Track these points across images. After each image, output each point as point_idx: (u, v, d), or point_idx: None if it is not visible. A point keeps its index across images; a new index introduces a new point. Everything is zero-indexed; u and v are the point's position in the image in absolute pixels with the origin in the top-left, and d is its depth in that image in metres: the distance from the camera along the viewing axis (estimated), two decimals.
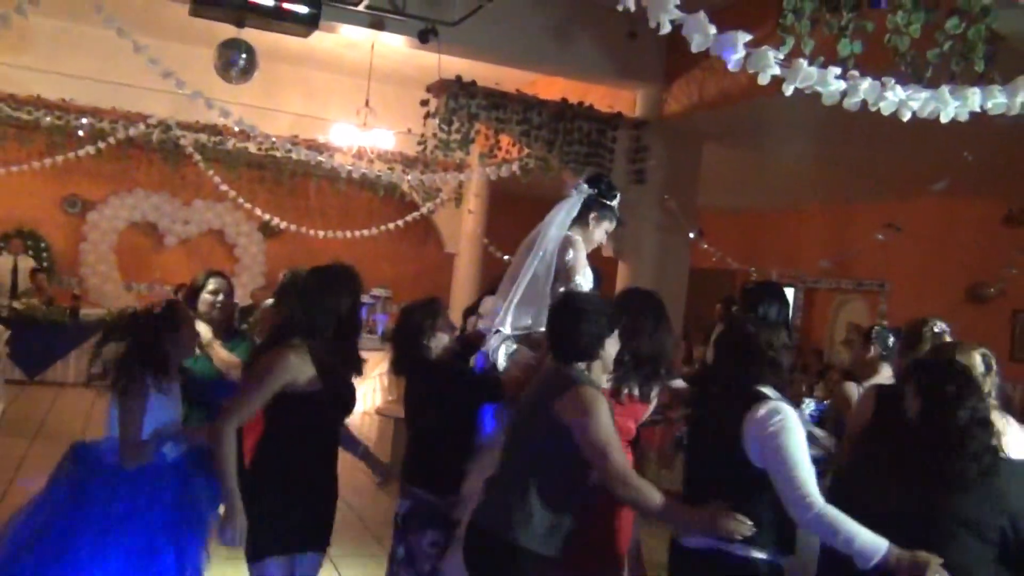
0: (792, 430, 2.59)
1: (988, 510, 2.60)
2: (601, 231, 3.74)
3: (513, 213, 13.70)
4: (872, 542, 2.46)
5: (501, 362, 3.37)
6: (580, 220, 3.64)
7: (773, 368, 2.76)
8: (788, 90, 3.08)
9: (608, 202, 3.72)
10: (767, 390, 2.72)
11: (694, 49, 2.99)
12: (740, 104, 7.41)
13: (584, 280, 3.52)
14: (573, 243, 3.55)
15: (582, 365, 2.88)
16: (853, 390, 4.23)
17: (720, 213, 13.41)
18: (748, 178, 11.03)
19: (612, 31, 7.96)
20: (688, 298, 8.98)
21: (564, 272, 3.48)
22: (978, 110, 3.38)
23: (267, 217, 11.22)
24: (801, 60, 3.06)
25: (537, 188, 11.13)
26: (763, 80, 3.05)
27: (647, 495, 2.71)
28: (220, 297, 4.38)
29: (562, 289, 3.49)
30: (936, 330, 3.90)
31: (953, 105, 3.30)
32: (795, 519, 2.58)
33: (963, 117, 3.37)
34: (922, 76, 3.71)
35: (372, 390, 10.24)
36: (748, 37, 2.94)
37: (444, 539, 3.37)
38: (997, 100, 3.38)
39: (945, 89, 3.29)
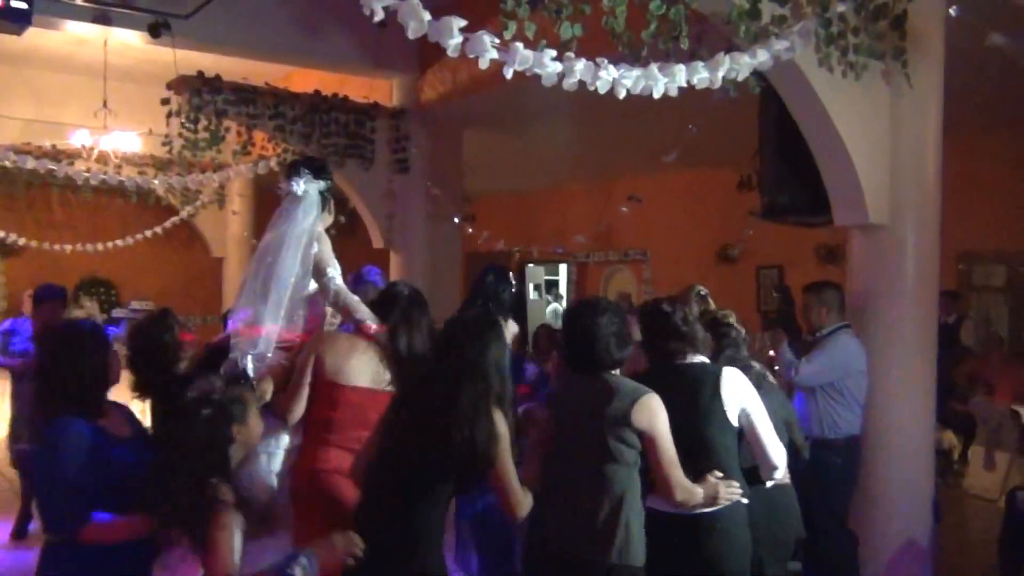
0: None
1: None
2: (330, 216, 3.67)
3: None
4: None
5: (250, 368, 3.23)
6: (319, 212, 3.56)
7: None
8: (508, 73, 3.15)
9: (330, 185, 3.64)
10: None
11: (410, 35, 2.98)
12: (492, 89, 7.56)
13: (335, 271, 3.44)
14: (318, 236, 3.47)
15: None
16: None
17: (490, 196, 13.70)
18: (513, 161, 11.32)
19: (362, 20, 7.80)
20: (464, 282, 9.10)
21: (315, 266, 3.39)
22: (685, 85, 3.62)
23: (1, 234, 10.16)
24: (518, 44, 3.14)
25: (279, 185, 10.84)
26: (483, 64, 3.10)
27: (695, 493, 2.85)
28: None
29: (313, 284, 3.41)
30: (702, 292, 4.85)
31: (662, 81, 3.51)
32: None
33: (673, 92, 3.60)
34: (638, 56, 3.94)
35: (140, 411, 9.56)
36: (463, 22, 2.97)
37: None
38: (701, 75, 3.64)
39: (654, 67, 3.49)
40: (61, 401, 2.62)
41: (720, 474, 2.95)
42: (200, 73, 7.28)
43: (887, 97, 4.63)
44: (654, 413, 2.78)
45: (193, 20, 6.76)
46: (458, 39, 2.95)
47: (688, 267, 11.28)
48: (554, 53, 3.22)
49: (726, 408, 3.02)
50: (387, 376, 3.24)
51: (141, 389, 3.38)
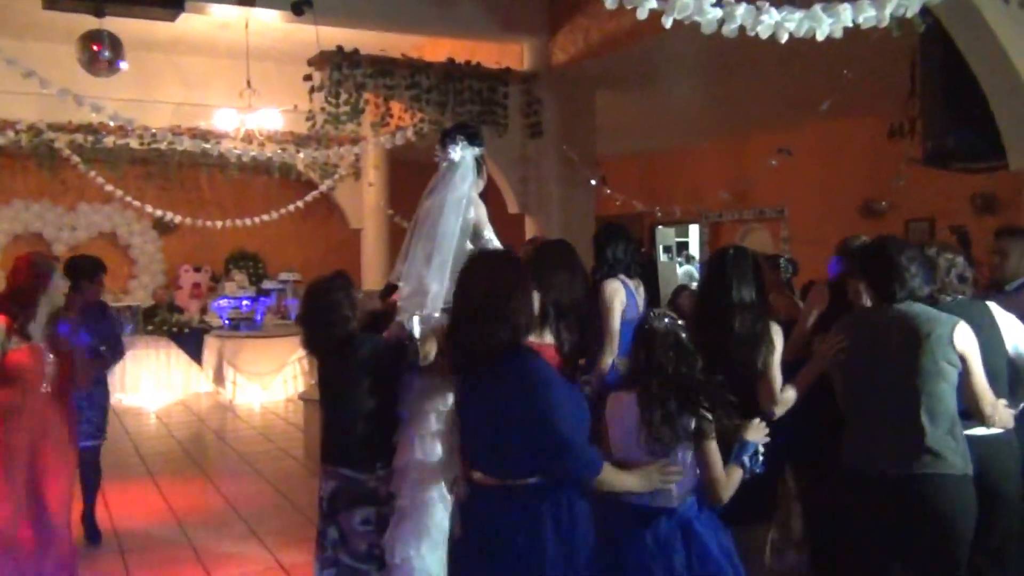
0: None
1: None
2: (483, 181, 3.69)
3: (416, 181, 13.48)
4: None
5: (416, 329, 3.30)
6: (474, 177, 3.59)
7: None
8: (667, 22, 3.06)
9: (484, 151, 3.66)
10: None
11: None
12: (626, 47, 7.44)
13: (491, 233, 3.48)
14: (472, 200, 3.50)
15: None
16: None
17: (620, 158, 13.51)
18: (643, 121, 11.10)
19: None
20: None
21: (472, 231, 3.43)
22: (851, 25, 3.44)
23: (159, 213, 10.77)
24: None
25: (431, 153, 11.01)
26: (642, 14, 3.03)
27: (1002, 412, 3.18)
28: None
29: (469, 245, 3.45)
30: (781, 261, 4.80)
31: (827, 22, 3.34)
32: None
33: (838, 34, 3.42)
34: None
35: (292, 376, 10.05)
36: None
37: (375, 516, 3.32)
38: (867, 14, 3.44)
39: (818, 7, 3.33)
40: None
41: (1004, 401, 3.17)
42: (339, 48, 7.45)
43: None
44: (971, 337, 3.02)
45: None
46: None
47: (829, 224, 10.80)
48: None
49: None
50: (546, 335, 3.25)
51: (311, 347, 3.51)
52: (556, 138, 8.31)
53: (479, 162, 3.59)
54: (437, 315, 3.31)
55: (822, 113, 5.52)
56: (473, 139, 3.57)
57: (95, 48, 6.60)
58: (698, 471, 2.74)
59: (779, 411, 3.22)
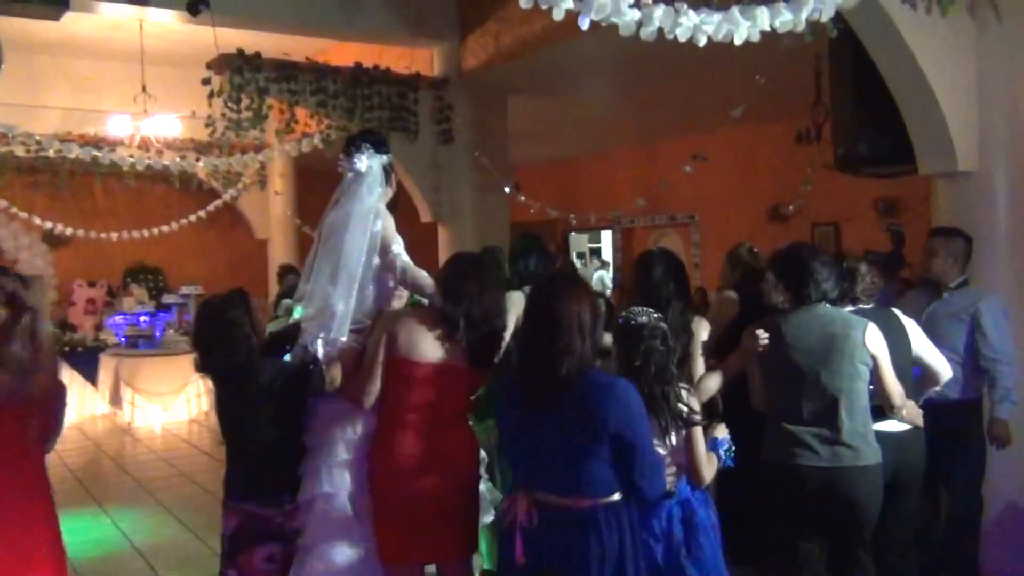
0: None
1: None
2: (392, 190, 3.49)
3: (325, 190, 13.11)
4: None
5: (321, 353, 3.07)
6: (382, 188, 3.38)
7: None
8: (584, 23, 2.92)
9: (392, 159, 3.46)
10: None
11: None
12: (538, 52, 7.32)
13: (400, 247, 3.28)
14: (379, 212, 3.30)
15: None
16: None
17: (533, 164, 13.45)
18: (556, 127, 11.05)
19: None
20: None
21: (380, 244, 3.23)
22: (768, 28, 3.37)
23: (49, 225, 10.14)
24: None
25: (339, 162, 10.69)
26: (557, 15, 2.88)
27: (909, 405, 3.53)
28: None
29: (377, 260, 3.24)
30: (754, 249, 4.90)
31: (745, 25, 3.27)
32: None
33: (755, 37, 3.35)
34: (710, 3, 3.68)
35: (196, 395, 9.58)
36: None
37: (281, 553, 3.08)
38: (784, 17, 3.38)
39: (735, 10, 3.25)
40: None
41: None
42: (240, 51, 7.10)
43: (973, 34, 4.32)
44: (880, 337, 3.29)
45: None
46: None
47: (739, 228, 10.96)
48: (631, 0, 2.99)
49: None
50: (457, 350, 3.05)
51: (207, 370, 3.23)
52: (468, 144, 8.13)
53: (387, 171, 3.39)
54: (344, 338, 3.09)
55: (733, 119, 5.49)
56: (380, 147, 3.36)
57: None
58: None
59: (701, 397, 3.36)
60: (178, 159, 9.39)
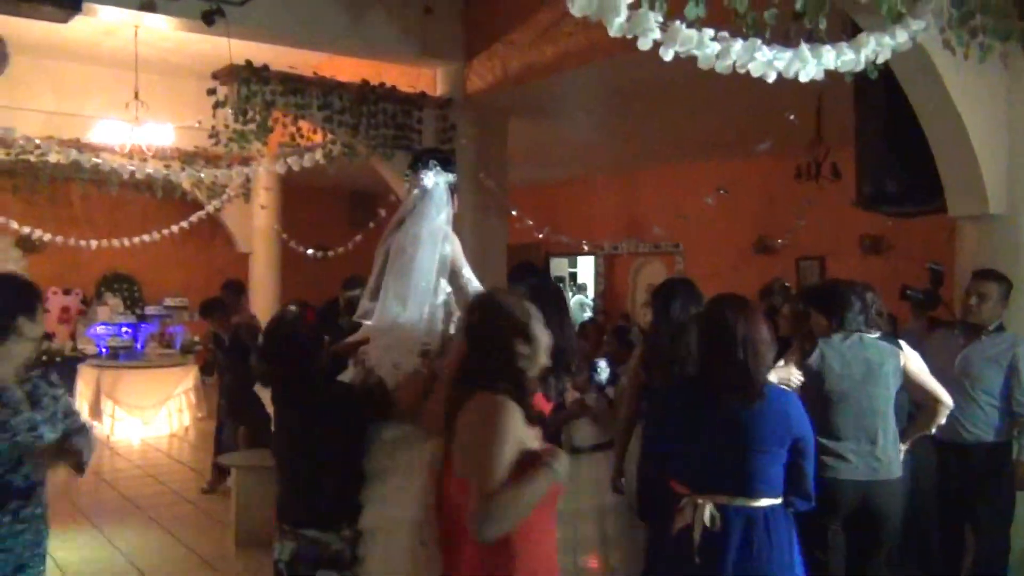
0: None
1: None
2: (453, 211, 3.45)
3: (307, 206, 13.11)
4: None
5: (389, 376, 3.00)
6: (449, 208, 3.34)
7: None
8: (667, 55, 2.93)
9: (455, 176, 3.43)
10: None
11: (576, 13, 2.75)
12: (546, 78, 7.36)
13: (469, 271, 3.23)
14: (446, 235, 3.24)
15: None
16: None
17: (517, 187, 13.44)
18: (543, 152, 11.07)
19: (408, 7, 7.62)
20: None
21: (449, 266, 3.17)
22: (832, 67, 3.42)
23: (26, 230, 9.85)
24: (678, 23, 2.92)
25: (334, 177, 10.60)
26: (643, 45, 2.87)
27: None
28: None
29: (446, 285, 3.19)
30: (786, 284, 5.29)
31: (812, 64, 3.31)
32: None
33: (820, 76, 3.40)
34: (762, 36, 3.72)
35: (178, 409, 9.34)
36: None
37: None
38: (847, 57, 3.44)
39: (805, 48, 3.29)
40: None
41: None
42: (248, 63, 7.01)
43: (1005, 81, 4.44)
44: (912, 353, 3.75)
45: (238, 8, 6.50)
46: (623, 17, 2.73)
47: (724, 258, 11.09)
48: (712, 33, 3.01)
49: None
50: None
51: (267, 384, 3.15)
52: (470, 165, 8.09)
53: (452, 190, 3.34)
54: (410, 361, 3.03)
55: (706, 152, 5.56)
56: (446, 165, 3.32)
57: None
58: None
59: None
60: (163, 168, 9.20)
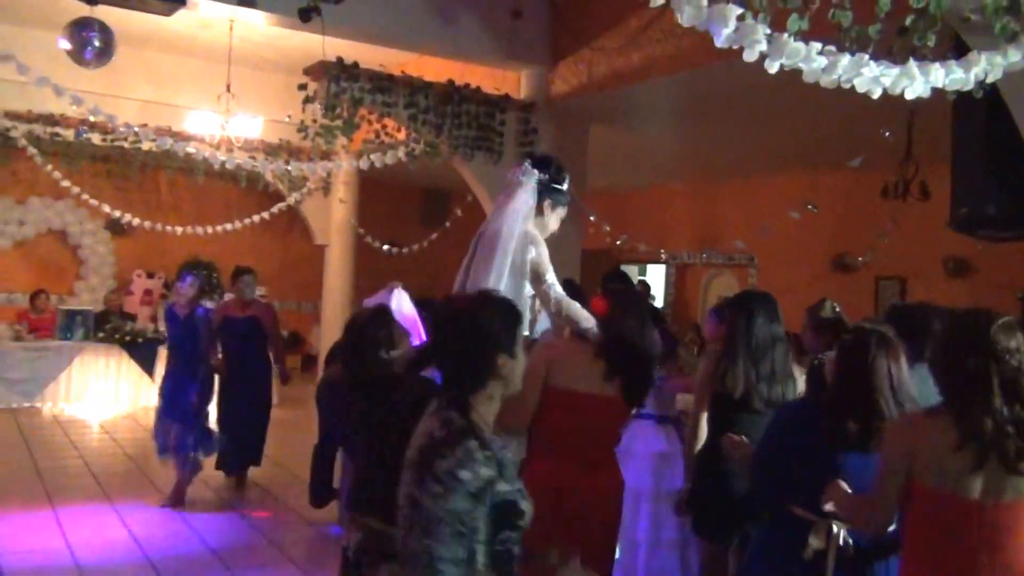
0: None
1: None
2: (556, 219, 3.49)
3: (384, 200, 13.31)
4: None
5: None
6: (535, 210, 3.37)
7: None
8: (773, 67, 2.90)
9: (560, 186, 3.46)
10: None
11: (685, 23, 2.74)
12: (631, 85, 7.33)
13: (553, 277, 3.25)
14: (534, 239, 3.27)
15: None
16: None
17: (591, 191, 13.40)
18: (620, 158, 11.04)
19: (497, 10, 7.69)
20: (582, 278, 8.87)
21: (531, 272, 3.21)
22: (939, 85, 3.34)
23: (116, 214, 10.21)
24: (785, 35, 2.89)
25: (408, 175, 10.73)
26: (749, 56, 2.85)
27: None
28: None
29: (530, 291, 3.22)
30: (836, 308, 4.60)
31: (920, 81, 3.24)
32: None
33: (926, 93, 3.32)
34: (865, 52, 3.66)
35: None
36: (739, 10, 2.73)
37: (400, 573, 3.03)
38: (955, 75, 3.36)
39: (913, 65, 3.22)
40: None
41: None
42: (339, 60, 7.15)
43: None
44: None
45: (333, 6, 6.63)
46: (731, 28, 2.71)
47: (800, 274, 10.87)
48: (819, 47, 2.97)
49: None
50: (613, 384, 3.02)
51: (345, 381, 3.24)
52: None
53: (544, 191, 3.37)
54: None
55: (787, 164, 5.46)
56: (542, 165, 3.36)
57: (85, 37, 6.15)
58: None
59: None
60: (250, 159, 9.43)
